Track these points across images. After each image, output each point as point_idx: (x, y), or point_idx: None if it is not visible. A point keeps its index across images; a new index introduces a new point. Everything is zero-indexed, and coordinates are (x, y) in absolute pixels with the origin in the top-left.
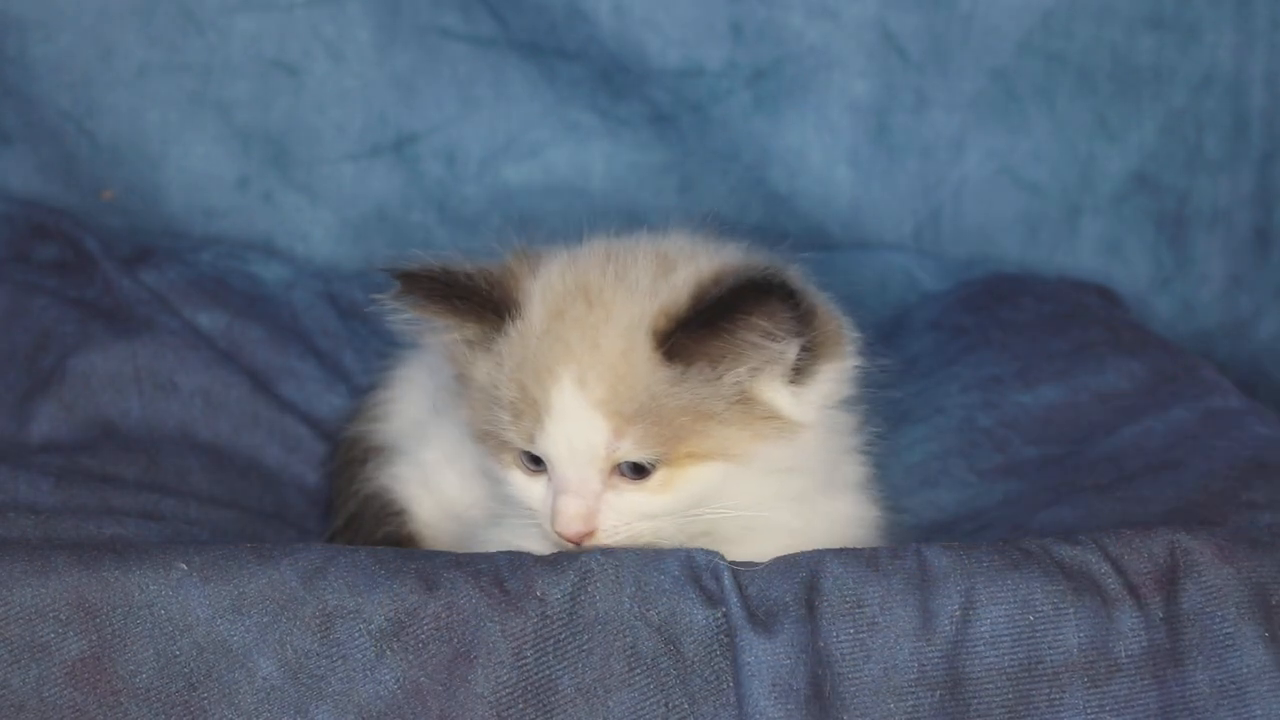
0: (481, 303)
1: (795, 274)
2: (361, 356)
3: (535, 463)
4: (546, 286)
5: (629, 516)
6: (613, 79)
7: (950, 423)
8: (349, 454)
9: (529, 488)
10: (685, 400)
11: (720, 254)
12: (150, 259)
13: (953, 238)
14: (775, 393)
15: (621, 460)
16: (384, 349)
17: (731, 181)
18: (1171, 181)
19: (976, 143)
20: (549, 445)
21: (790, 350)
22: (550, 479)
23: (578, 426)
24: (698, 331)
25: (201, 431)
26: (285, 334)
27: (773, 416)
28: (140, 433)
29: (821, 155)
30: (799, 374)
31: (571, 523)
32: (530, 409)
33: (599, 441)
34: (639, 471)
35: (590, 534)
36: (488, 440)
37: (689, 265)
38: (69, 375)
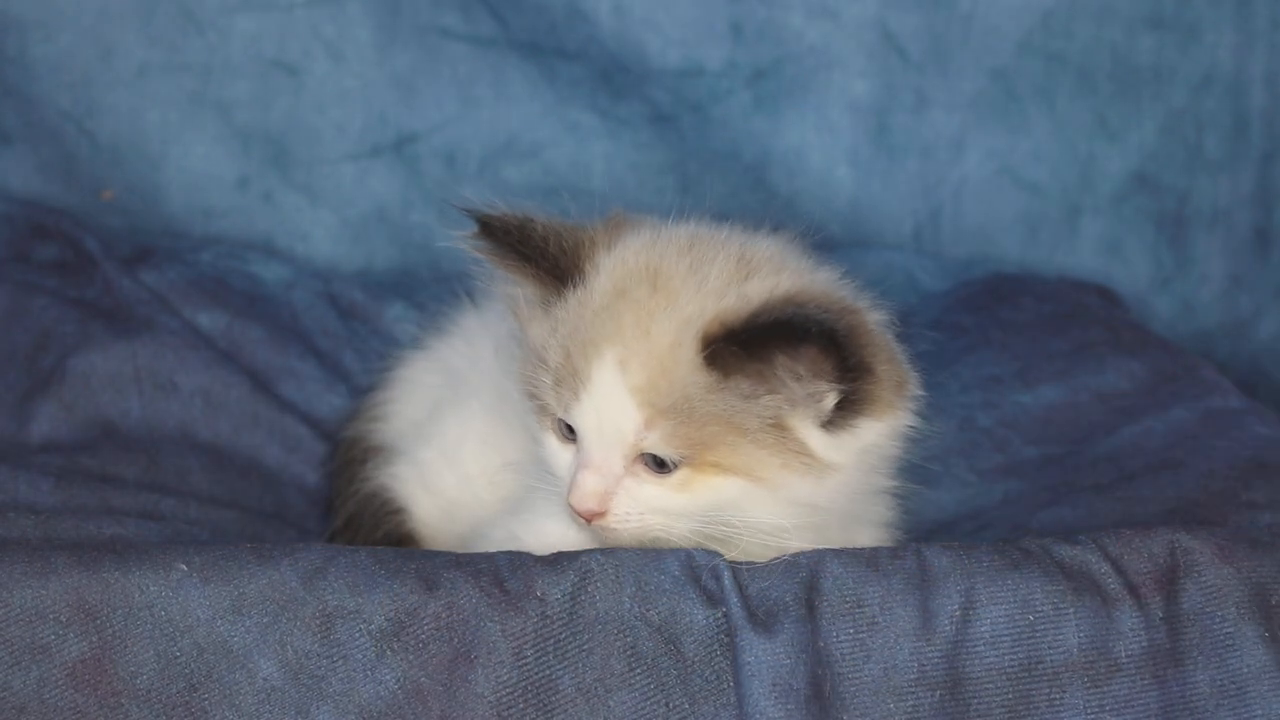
0: (549, 265)
1: (865, 321)
2: (361, 356)
3: (570, 432)
4: (619, 262)
5: (643, 507)
6: (613, 79)
7: (950, 422)
8: (348, 454)
9: (559, 454)
10: (719, 410)
11: (811, 275)
12: (150, 259)
13: (953, 238)
14: (808, 432)
15: (647, 450)
16: (384, 349)
17: (731, 181)
18: (1171, 181)
19: (976, 143)
20: (581, 418)
21: (827, 398)
22: (578, 451)
23: (611, 407)
24: (742, 348)
25: (201, 431)
26: (285, 334)
27: (804, 452)
28: (140, 433)
29: (821, 155)
30: (834, 422)
31: (586, 499)
32: (571, 379)
33: (628, 427)
34: (662, 465)
35: (602, 515)
36: (532, 400)
37: (769, 277)
38: (69, 375)
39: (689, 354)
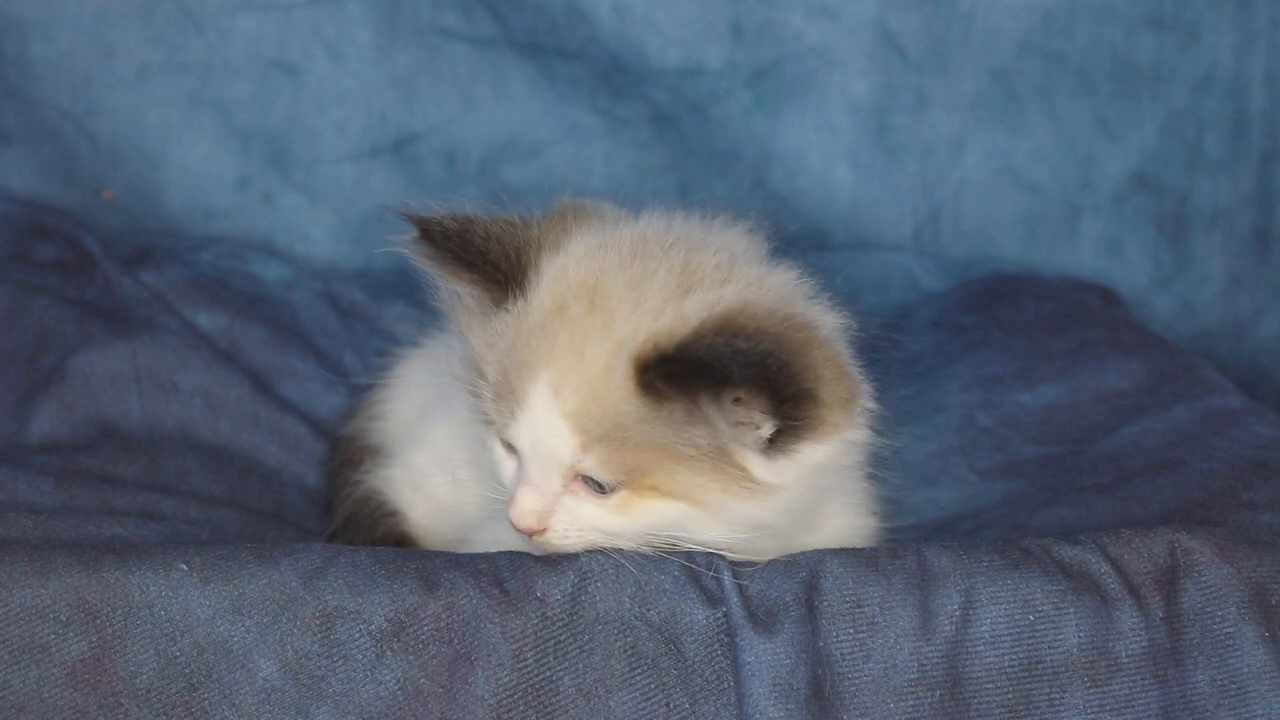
0: (490, 272)
1: (811, 339)
2: (361, 356)
3: (511, 449)
4: (560, 273)
5: (582, 525)
6: (613, 79)
7: (950, 422)
8: (346, 453)
9: (504, 463)
10: (653, 437)
11: (761, 282)
12: (150, 259)
13: (953, 238)
14: (747, 458)
15: (583, 473)
16: (384, 349)
17: (731, 181)
18: (1171, 181)
19: (976, 143)
20: (518, 438)
21: (764, 427)
22: (519, 466)
23: (545, 431)
24: (675, 376)
25: (201, 431)
26: (285, 334)
27: (745, 476)
28: (140, 433)
29: (821, 155)
30: (775, 446)
31: (525, 516)
32: (508, 397)
33: (564, 451)
34: (601, 486)
35: (542, 532)
36: (475, 407)
37: (711, 291)
38: (69, 375)
39: (621, 379)
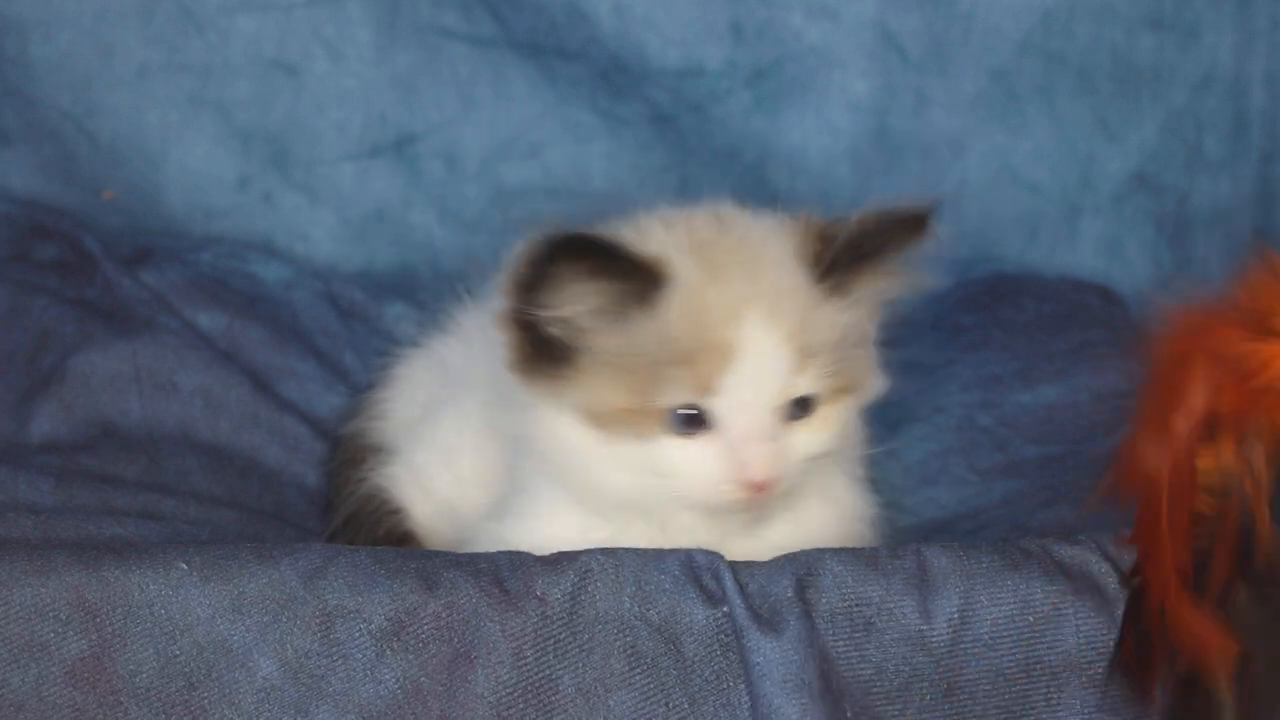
0: (631, 265)
1: None
2: (361, 356)
3: (689, 425)
4: (680, 241)
5: (797, 459)
6: (613, 79)
7: (950, 422)
8: (347, 452)
9: (683, 452)
10: (842, 329)
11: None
12: (150, 259)
13: (953, 238)
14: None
15: (798, 395)
16: (384, 349)
17: (731, 181)
18: (1171, 181)
19: (976, 143)
20: (731, 387)
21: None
22: (721, 432)
23: (768, 362)
24: (854, 258)
25: (201, 431)
26: (285, 334)
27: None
28: (140, 433)
29: (821, 155)
30: None
31: (764, 467)
32: (708, 355)
33: (786, 376)
34: (801, 410)
35: (777, 478)
36: (619, 416)
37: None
38: (69, 375)
39: (808, 285)
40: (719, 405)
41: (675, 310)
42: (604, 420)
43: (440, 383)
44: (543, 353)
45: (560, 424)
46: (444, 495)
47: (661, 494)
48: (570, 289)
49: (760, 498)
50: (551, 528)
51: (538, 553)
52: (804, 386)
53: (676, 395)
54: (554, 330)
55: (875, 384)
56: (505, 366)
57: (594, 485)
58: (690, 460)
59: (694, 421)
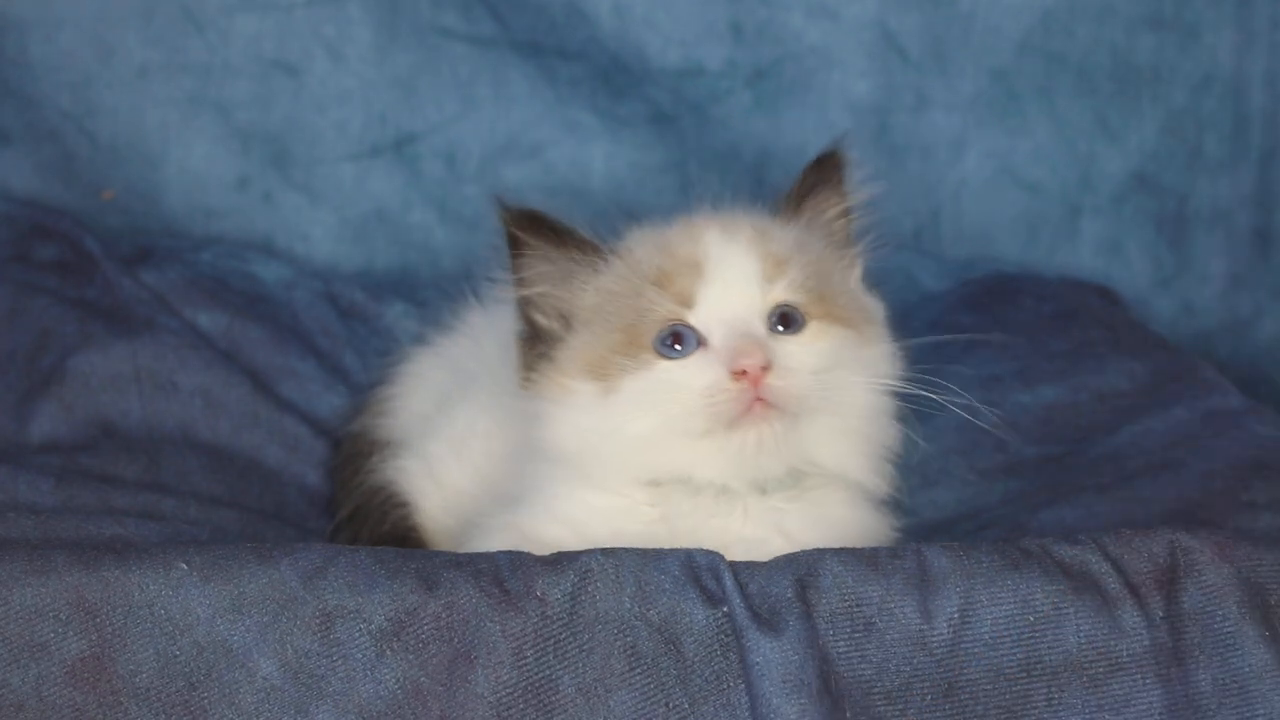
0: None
1: None
2: (361, 356)
3: (679, 349)
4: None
5: (797, 367)
6: (613, 79)
7: (950, 422)
8: (353, 448)
9: (679, 369)
10: (802, 242)
11: None
12: (150, 259)
13: (953, 238)
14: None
15: (776, 301)
16: (384, 349)
17: (731, 181)
18: (1171, 181)
19: (976, 143)
20: (711, 295)
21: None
22: (710, 345)
23: (735, 267)
24: (804, 190)
25: (201, 431)
26: (285, 334)
27: (873, 319)
28: (140, 433)
29: None
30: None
31: (747, 354)
32: (683, 270)
33: (758, 282)
34: (789, 326)
35: (768, 368)
36: (615, 357)
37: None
38: (69, 375)
39: (756, 210)
40: (700, 317)
41: (647, 237)
42: (604, 367)
43: (452, 379)
44: (541, 351)
45: (568, 403)
46: (457, 485)
47: (674, 424)
48: (534, 256)
49: (764, 401)
50: (568, 504)
51: (555, 544)
52: (780, 293)
53: (659, 315)
54: (542, 319)
55: (878, 337)
56: (519, 386)
57: (614, 445)
58: (687, 373)
59: (683, 343)
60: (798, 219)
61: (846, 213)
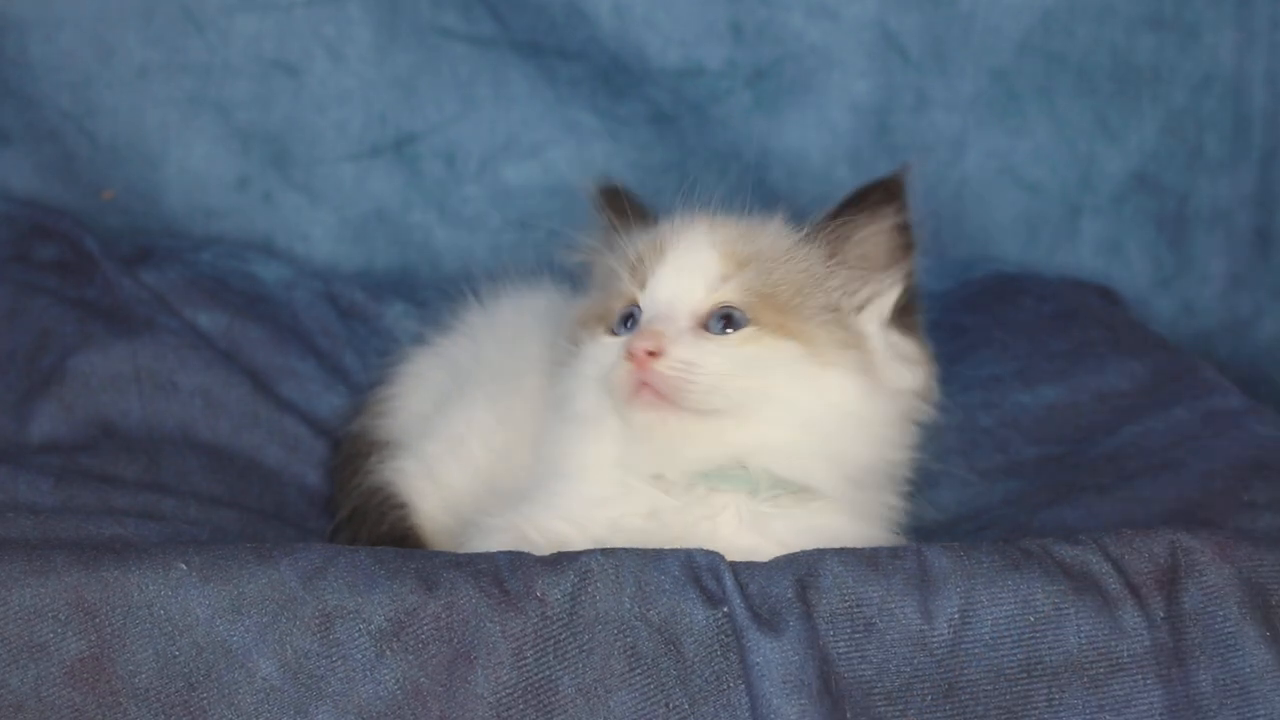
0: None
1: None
2: (361, 356)
3: (625, 325)
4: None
5: (694, 356)
6: (613, 79)
7: (950, 422)
8: (353, 448)
9: (606, 347)
10: (795, 273)
11: None
12: (150, 259)
13: (953, 238)
14: (869, 322)
15: (722, 301)
16: (384, 349)
17: (731, 181)
18: (1172, 181)
19: (977, 143)
20: (660, 281)
21: (891, 291)
22: (643, 315)
23: (691, 260)
24: (840, 217)
25: (201, 431)
26: (285, 334)
27: (856, 341)
28: (140, 433)
29: (822, 155)
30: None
31: (646, 337)
32: (653, 254)
33: (711, 279)
34: (732, 325)
35: (657, 354)
36: (587, 322)
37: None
38: (69, 375)
39: (751, 212)
40: (645, 301)
41: (653, 227)
42: (583, 326)
43: (451, 379)
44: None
45: (556, 357)
46: (455, 486)
47: (587, 396)
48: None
49: (650, 386)
50: (567, 500)
51: (556, 544)
52: (728, 293)
53: (625, 295)
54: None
55: (845, 362)
56: (570, 328)
57: (578, 396)
58: (608, 354)
59: (632, 324)
60: (824, 231)
61: (883, 240)
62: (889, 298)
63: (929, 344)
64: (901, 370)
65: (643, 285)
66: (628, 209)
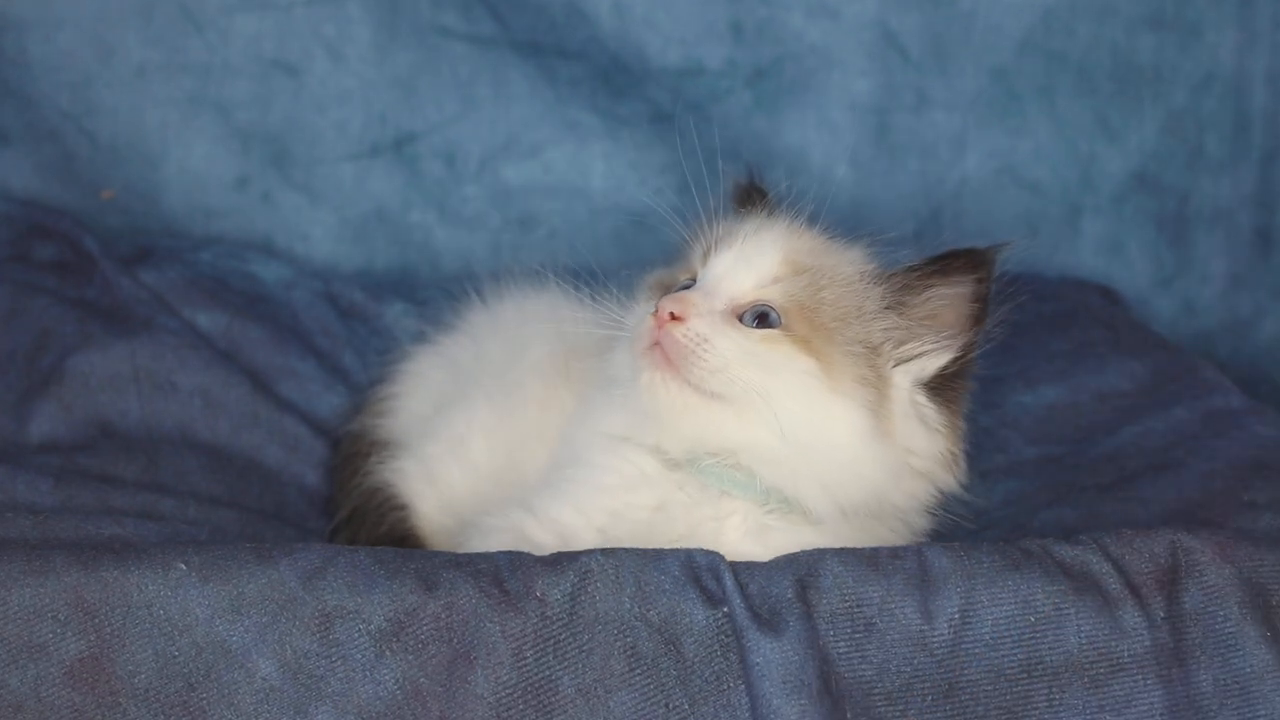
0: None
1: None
2: (361, 356)
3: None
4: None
5: (711, 334)
6: (613, 79)
7: None
8: (353, 448)
9: (642, 309)
10: (844, 303)
11: None
12: (150, 259)
13: (953, 238)
14: (902, 377)
15: (764, 299)
16: (384, 349)
17: (731, 181)
18: (1172, 181)
19: (977, 142)
20: (717, 262)
21: (940, 354)
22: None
23: (750, 250)
24: (918, 271)
25: (201, 431)
26: (285, 334)
27: (880, 382)
28: (139, 433)
29: (822, 155)
30: (928, 388)
31: (678, 304)
32: (726, 240)
33: (761, 273)
34: (761, 324)
35: (680, 320)
36: (654, 288)
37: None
38: (68, 375)
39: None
40: (701, 277)
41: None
42: (649, 290)
43: (451, 379)
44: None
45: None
46: (455, 487)
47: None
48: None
49: (660, 347)
50: (572, 520)
51: (557, 543)
52: (772, 292)
53: (689, 269)
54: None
55: (855, 398)
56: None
57: (617, 352)
58: (643, 313)
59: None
60: (897, 275)
61: (953, 305)
62: (935, 360)
63: (962, 422)
64: (916, 430)
65: (705, 257)
66: (759, 204)
